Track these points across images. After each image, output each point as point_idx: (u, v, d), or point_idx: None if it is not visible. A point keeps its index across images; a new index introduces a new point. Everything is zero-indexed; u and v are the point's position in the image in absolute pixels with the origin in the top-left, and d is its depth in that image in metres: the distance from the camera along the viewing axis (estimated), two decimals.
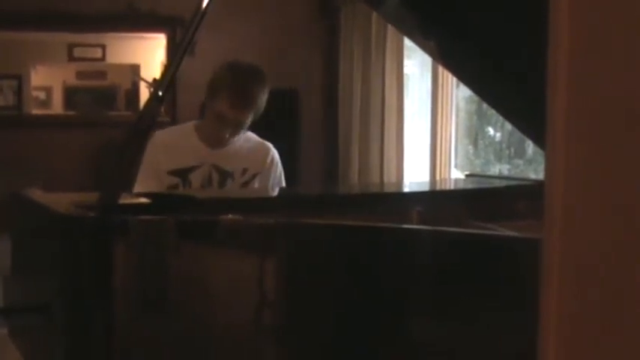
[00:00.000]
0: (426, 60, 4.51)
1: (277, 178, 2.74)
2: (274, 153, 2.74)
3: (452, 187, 3.46)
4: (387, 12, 2.56)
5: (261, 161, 2.70)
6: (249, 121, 2.58)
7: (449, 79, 4.39)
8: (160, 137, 2.68)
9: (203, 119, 2.70)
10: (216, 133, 2.60)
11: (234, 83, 2.55)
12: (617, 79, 0.54)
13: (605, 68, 0.54)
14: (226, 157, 2.65)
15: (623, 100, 0.54)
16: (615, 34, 0.54)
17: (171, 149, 2.64)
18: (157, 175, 2.60)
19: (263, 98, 2.58)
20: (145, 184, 2.57)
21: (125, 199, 1.86)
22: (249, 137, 2.71)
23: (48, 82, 5.52)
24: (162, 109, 3.57)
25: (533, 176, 3.95)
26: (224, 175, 2.65)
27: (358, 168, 4.98)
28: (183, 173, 2.61)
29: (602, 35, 0.54)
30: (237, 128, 2.58)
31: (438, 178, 4.50)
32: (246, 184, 2.68)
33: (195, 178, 2.62)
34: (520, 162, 4.48)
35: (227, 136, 2.59)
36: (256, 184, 2.69)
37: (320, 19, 5.43)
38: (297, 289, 1.72)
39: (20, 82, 5.29)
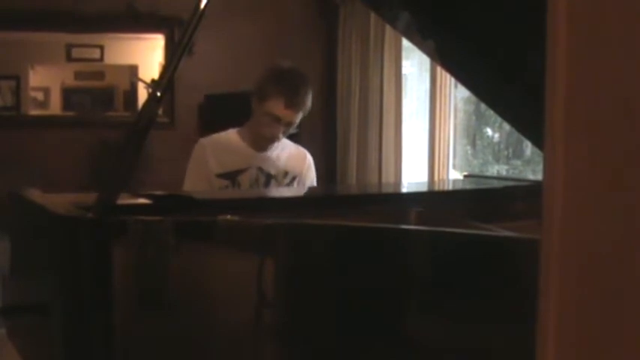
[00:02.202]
0: (425, 60, 4.51)
1: (312, 180, 2.90)
2: (310, 157, 2.91)
3: (450, 187, 3.45)
4: (386, 12, 2.56)
5: (300, 165, 2.85)
6: (298, 120, 2.71)
7: (447, 79, 4.39)
8: (207, 142, 2.80)
9: (247, 124, 2.79)
10: (270, 133, 2.70)
11: (286, 85, 2.66)
12: (617, 78, 0.54)
13: (604, 67, 0.54)
14: (269, 160, 2.78)
15: (623, 100, 0.54)
16: (615, 33, 0.54)
17: (219, 153, 2.75)
18: (205, 178, 2.71)
19: (310, 99, 2.71)
20: (192, 188, 2.69)
21: (124, 200, 1.86)
22: (285, 142, 2.84)
23: (46, 82, 5.51)
24: (161, 110, 3.57)
25: (531, 177, 3.95)
26: (268, 178, 2.77)
27: (356, 168, 4.98)
28: (232, 175, 2.72)
29: (602, 34, 0.54)
30: (288, 127, 2.71)
31: (436, 178, 4.50)
32: (286, 186, 2.81)
33: (244, 180, 2.73)
34: (518, 162, 4.48)
35: (280, 135, 2.71)
36: (295, 187, 2.83)
37: (318, 19, 5.43)
38: (296, 290, 1.72)
39: (18, 82, 5.28)
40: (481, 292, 1.63)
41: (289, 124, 2.69)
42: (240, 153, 2.76)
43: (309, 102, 2.70)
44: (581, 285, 0.55)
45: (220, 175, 2.71)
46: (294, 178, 2.81)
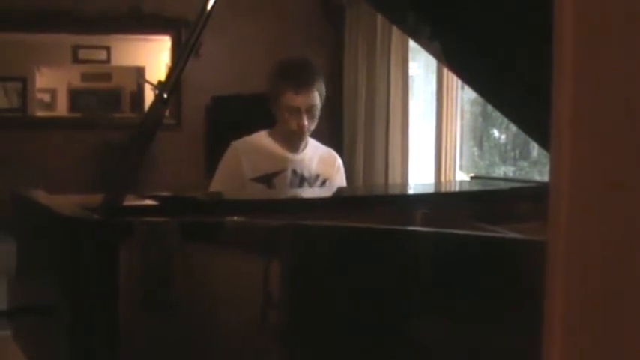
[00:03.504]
0: (431, 62, 4.50)
1: (342, 184, 2.91)
2: (340, 161, 2.91)
3: (457, 189, 3.45)
4: (391, 13, 2.56)
5: (330, 168, 2.85)
6: (319, 105, 2.68)
7: (454, 80, 4.39)
8: (241, 145, 2.77)
9: (275, 128, 2.78)
10: (296, 125, 2.67)
11: (288, 74, 2.66)
12: (624, 78, 0.54)
13: (611, 67, 0.54)
14: (302, 162, 2.77)
15: (629, 100, 0.53)
16: (622, 32, 0.53)
17: (253, 157, 2.73)
18: (237, 182, 2.68)
19: (321, 81, 2.69)
20: (220, 189, 2.68)
21: (130, 201, 1.86)
22: (316, 145, 2.85)
23: (53, 84, 5.53)
24: (167, 112, 3.58)
25: (538, 178, 3.94)
26: (302, 180, 2.76)
27: (363, 169, 4.98)
28: (267, 179, 2.71)
29: (608, 33, 0.54)
30: (311, 113, 2.67)
31: (442, 180, 4.49)
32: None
33: (279, 183, 2.72)
34: (525, 164, 4.48)
35: (306, 124, 2.67)
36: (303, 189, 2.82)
37: (324, 21, 5.43)
38: (301, 291, 1.71)
39: (25, 84, 5.30)
40: (487, 293, 1.63)
41: (309, 109, 2.65)
42: (275, 155, 2.74)
43: (318, 81, 2.67)
44: (586, 284, 0.55)
45: (255, 179, 2.69)
46: (324, 182, 2.81)
